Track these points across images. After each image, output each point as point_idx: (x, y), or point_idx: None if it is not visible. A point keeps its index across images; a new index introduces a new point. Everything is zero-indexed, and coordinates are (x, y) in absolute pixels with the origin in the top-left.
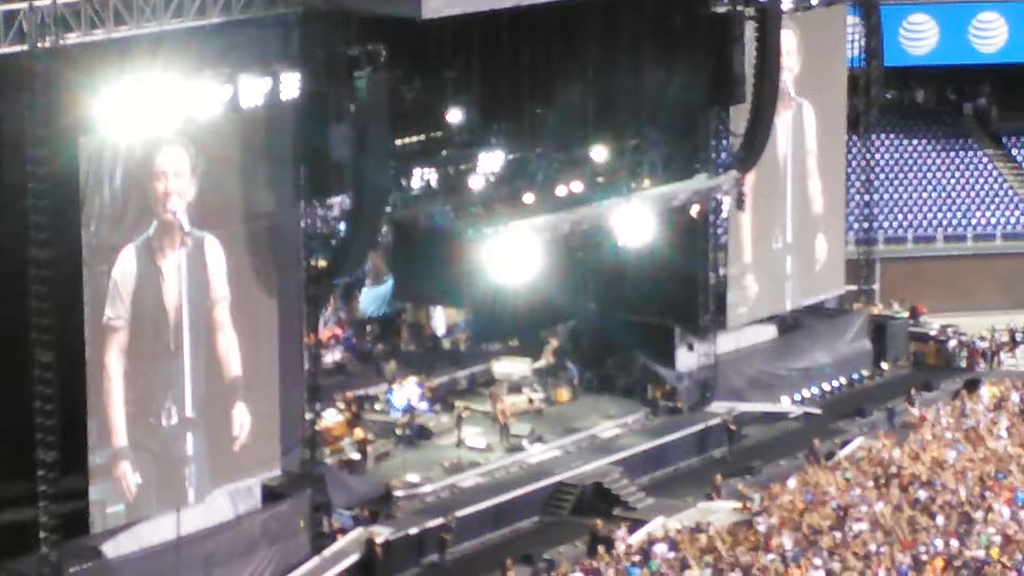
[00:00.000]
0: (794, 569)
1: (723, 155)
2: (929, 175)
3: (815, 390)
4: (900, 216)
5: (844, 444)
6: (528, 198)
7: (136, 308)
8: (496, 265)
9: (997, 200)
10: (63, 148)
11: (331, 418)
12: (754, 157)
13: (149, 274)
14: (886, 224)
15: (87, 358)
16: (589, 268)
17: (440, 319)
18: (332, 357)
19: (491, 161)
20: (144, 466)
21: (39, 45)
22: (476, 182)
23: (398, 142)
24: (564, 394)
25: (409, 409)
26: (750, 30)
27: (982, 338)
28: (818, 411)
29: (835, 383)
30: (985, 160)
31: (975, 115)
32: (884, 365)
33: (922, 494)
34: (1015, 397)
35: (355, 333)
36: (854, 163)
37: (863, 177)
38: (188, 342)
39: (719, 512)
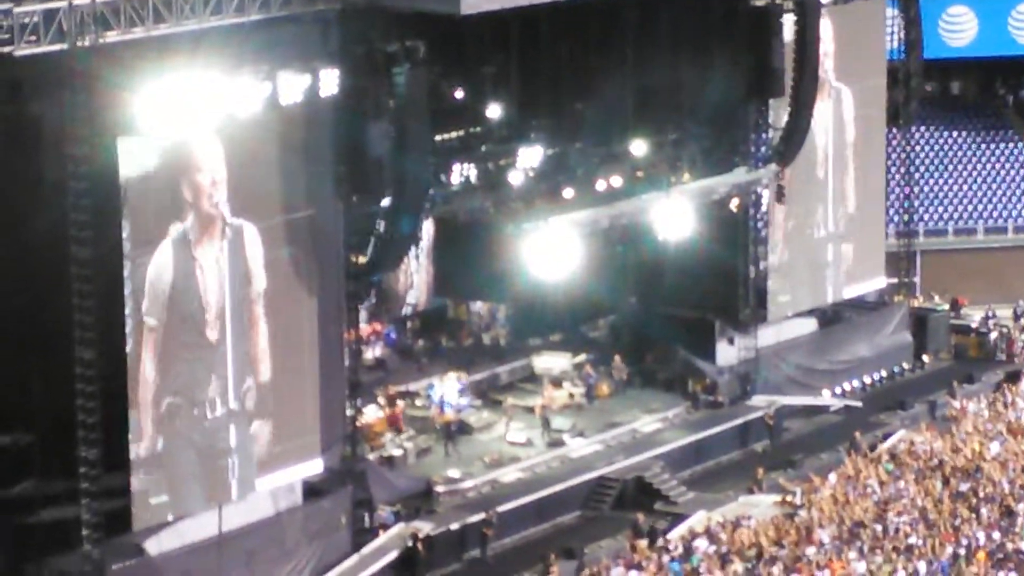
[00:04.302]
0: (836, 562)
1: (762, 148)
2: (969, 167)
3: (856, 383)
4: (940, 208)
5: (885, 437)
6: (568, 193)
7: (177, 300)
8: (536, 260)
9: None
10: (103, 146)
11: (372, 414)
12: (793, 150)
13: (188, 267)
14: (926, 216)
15: (128, 352)
16: (629, 262)
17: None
18: (373, 353)
19: (530, 156)
20: (188, 457)
21: (79, 44)
22: (516, 177)
23: (437, 138)
24: (604, 388)
25: (450, 404)
26: (789, 23)
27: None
28: (859, 404)
29: (876, 376)
30: None
31: (1015, 106)
32: (925, 358)
33: (964, 486)
34: None
35: (396, 329)
36: (894, 155)
37: (903, 169)
38: (230, 334)
39: (760, 506)
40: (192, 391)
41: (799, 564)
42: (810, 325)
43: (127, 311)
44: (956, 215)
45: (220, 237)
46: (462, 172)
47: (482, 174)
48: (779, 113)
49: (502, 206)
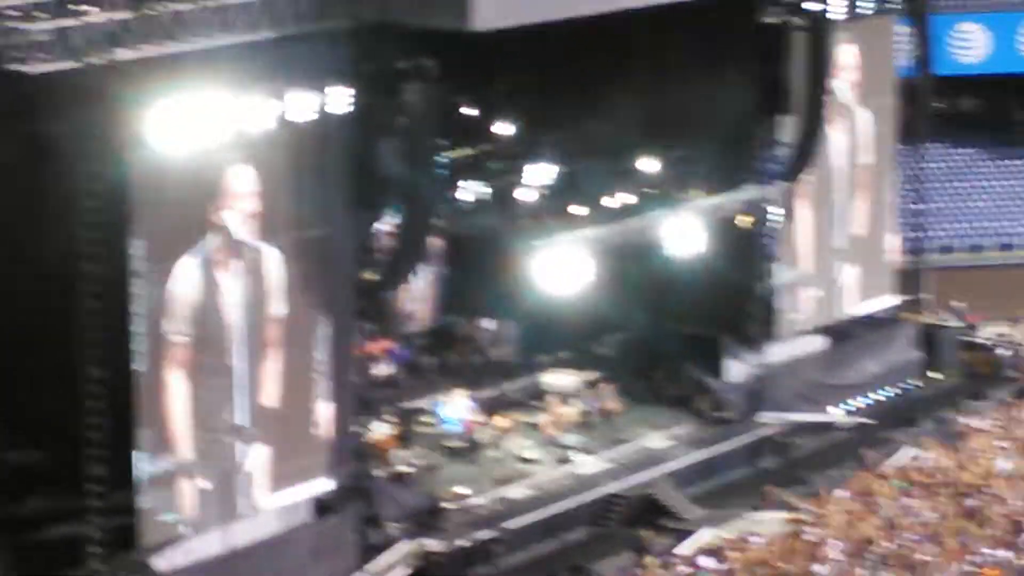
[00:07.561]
0: None
1: (772, 165)
2: (980, 184)
3: (865, 400)
4: (950, 225)
5: (894, 454)
6: (577, 210)
7: (196, 320)
8: (546, 277)
9: None
10: (114, 164)
11: (380, 431)
12: (804, 167)
13: (208, 287)
14: (937, 233)
15: (141, 371)
16: (638, 279)
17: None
18: (382, 370)
19: (540, 173)
20: (200, 476)
21: (90, 61)
22: (526, 194)
23: (447, 155)
24: (612, 405)
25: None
26: (800, 40)
27: None
28: (868, 421)
29: (885, 393)
30: None
31: None
32: (934, 374)
33: (973, 504)
34: None
35: (405, 346)
36: (904, 172)
37: (913, 186)
38: (247, 353)
39: (769, 523)
40: (210, 409)
41: None
42: (819, 342)
43: (142, 330)
44: (966, 232)
45: (236, 256)
46: (472, 189)
47: (492, 191)
48: (789, 130)
49: (512, 223)
